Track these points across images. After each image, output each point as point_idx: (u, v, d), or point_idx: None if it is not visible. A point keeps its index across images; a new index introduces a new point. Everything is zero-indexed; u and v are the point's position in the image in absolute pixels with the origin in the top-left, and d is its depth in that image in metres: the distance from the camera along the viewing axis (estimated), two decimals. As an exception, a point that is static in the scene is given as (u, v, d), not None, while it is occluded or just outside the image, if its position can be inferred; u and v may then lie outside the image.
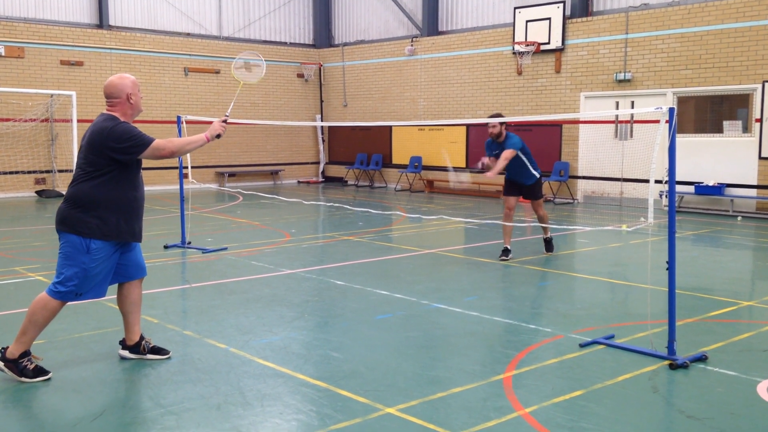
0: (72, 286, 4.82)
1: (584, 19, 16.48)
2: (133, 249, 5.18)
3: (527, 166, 9.35)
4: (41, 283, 7.87)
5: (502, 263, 9.06)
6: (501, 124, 9.11)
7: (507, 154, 9.02)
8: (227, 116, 5.44)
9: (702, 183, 14.55)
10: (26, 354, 4.83)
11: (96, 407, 4.41)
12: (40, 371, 4.85)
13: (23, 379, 4.78)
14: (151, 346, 5.33)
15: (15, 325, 6.18)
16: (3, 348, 4.88)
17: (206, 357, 5.38)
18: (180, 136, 10.01)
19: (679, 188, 14.45)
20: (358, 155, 21.76)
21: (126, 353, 5.30)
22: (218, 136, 5.20)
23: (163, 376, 4.98)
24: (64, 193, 17.30)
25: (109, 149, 4.80)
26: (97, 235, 4.82)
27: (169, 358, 5.31)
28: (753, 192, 14.12)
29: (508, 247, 9.39)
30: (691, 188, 14.60)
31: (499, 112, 9.59)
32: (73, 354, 5.43)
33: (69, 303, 4.96)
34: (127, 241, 5.02)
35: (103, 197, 4.84)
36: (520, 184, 9.54)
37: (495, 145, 9.37)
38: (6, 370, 4.82)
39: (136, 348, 5.29)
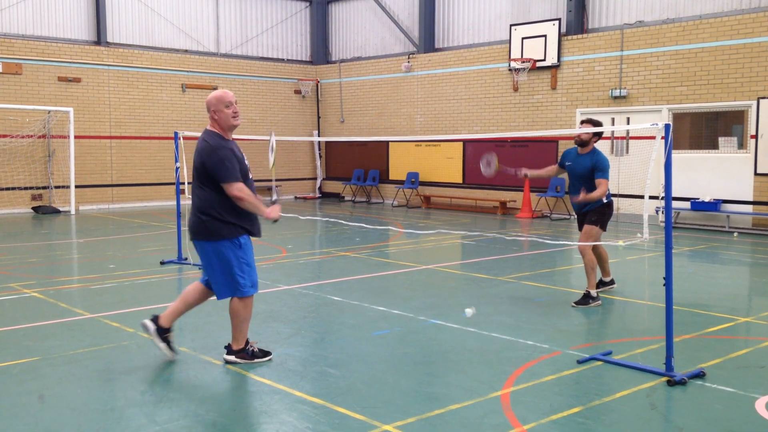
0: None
1: (580, 36, 16.59)
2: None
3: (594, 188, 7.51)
4: (37, 300, 7.84)
5: (500, 280, 9.04)
6: (596, 134, 7.53)
7: (602, 189, 7.31)
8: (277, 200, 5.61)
9: (698, 199, 14.59)
10: (246, 343, 5.58)
11: (91, 425, 4.37)
12: (265, 352, 5.64)
13: (256, 360, 5.54)
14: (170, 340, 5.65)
15: (10, 342, 6.16)
16: (226, 346, 5.62)
17: (202, 374, 5.35)
18: (177, 152, 10.03)
19: (675, 204, 14.48)
20: (355, 171, 21.79)
21: (149, 322, 5.60)
22: (275, 220, 5.49)
23: (159, 393, 4.95)
24: (60, 209, 17.53)
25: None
26: None
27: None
28: (749, 208, 14.15)
29: (604, 279, 8.16)
30: (687, 204, 14.64)
31: (595, 119, 7.58)
32: (68, 371, 5.39)
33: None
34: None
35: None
36: (584, 213, 7.74)
37: (573, 156, 7.69)
38: (240, 360, 5.52)
39: (166, 331, 5.60)
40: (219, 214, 5.33)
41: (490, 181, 18.38)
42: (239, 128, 22.36)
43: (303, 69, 22.79)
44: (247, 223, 5.42)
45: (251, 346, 5.59)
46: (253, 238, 5.57)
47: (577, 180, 7.62)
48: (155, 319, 5.57)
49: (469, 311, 6.67)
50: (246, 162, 5.59)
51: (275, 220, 5.42)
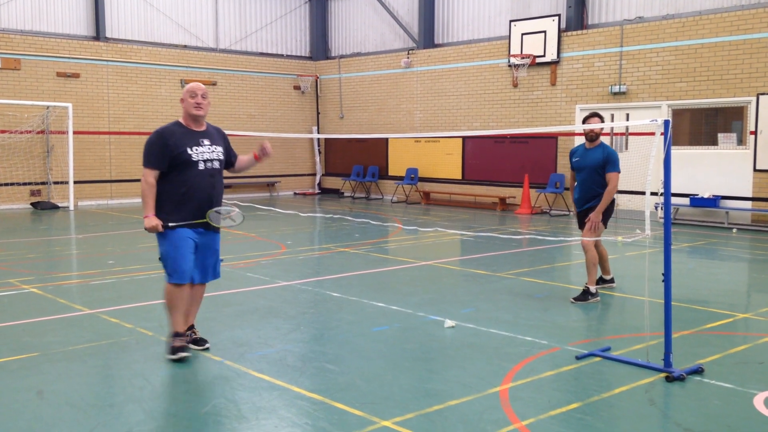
0: None
1: (579, 32, 16.57)
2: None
3: (602, 183, 7.49)
4: (35, 296, 7.83)
5: (504, 277, 9.04)
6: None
7: (613, 184, 7.31)
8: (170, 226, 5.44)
9: (697, 195, 14.59)
10: (181, 334, 5.61)
11: (89, 421, 4.38)
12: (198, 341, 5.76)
13: (177, 355, 5.46)
14: (194, 337, 5.77)
15: (9, 338, 6.16)
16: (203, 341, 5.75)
17: (201, 370, 5.35)
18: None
19: (674, 200, 14.49)
20: (355, 167, 21.78)
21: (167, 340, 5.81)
22: (146, 227, 5.42)
23: (158, 389, 4.95)
24: (59, 205, 17.53)
25: None
26: None
27: (207, 348, 5.74)
28: (748, 204, 14.16)
29: (604, 277, 8.12)
30: (687, 200, 14.64)
31: (599, 113, 7.70)
32: (67, 367, 5.39)
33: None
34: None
35: None
36: (585, 210, 7.69)
37: (582, 152, 7.66)
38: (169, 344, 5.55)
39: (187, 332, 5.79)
40: (160, 201, 5.45)
41: (489, 177, 18.38)
42: (238, 123, 22.25)
43: (302, 65, 22.76)
44: (174, 215, 5.40)
45: (192, 335, 5.73)
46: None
47: (585, 174, 7.57)
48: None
49: (449, 323, 6.64)
50: (198, 151, 5.54)
51: (146, 229, 5.38)
